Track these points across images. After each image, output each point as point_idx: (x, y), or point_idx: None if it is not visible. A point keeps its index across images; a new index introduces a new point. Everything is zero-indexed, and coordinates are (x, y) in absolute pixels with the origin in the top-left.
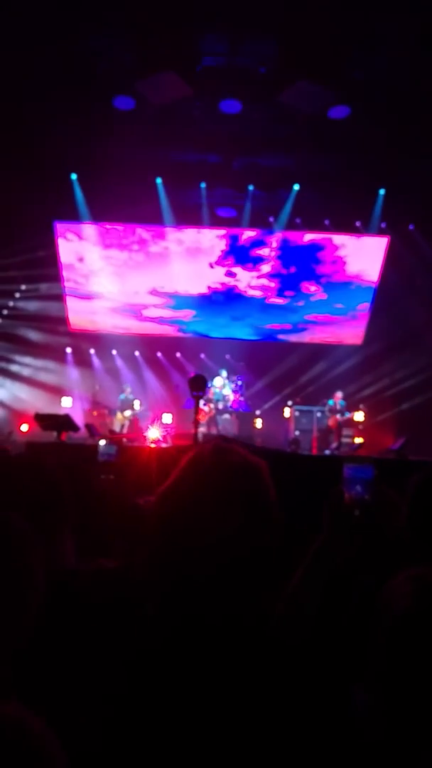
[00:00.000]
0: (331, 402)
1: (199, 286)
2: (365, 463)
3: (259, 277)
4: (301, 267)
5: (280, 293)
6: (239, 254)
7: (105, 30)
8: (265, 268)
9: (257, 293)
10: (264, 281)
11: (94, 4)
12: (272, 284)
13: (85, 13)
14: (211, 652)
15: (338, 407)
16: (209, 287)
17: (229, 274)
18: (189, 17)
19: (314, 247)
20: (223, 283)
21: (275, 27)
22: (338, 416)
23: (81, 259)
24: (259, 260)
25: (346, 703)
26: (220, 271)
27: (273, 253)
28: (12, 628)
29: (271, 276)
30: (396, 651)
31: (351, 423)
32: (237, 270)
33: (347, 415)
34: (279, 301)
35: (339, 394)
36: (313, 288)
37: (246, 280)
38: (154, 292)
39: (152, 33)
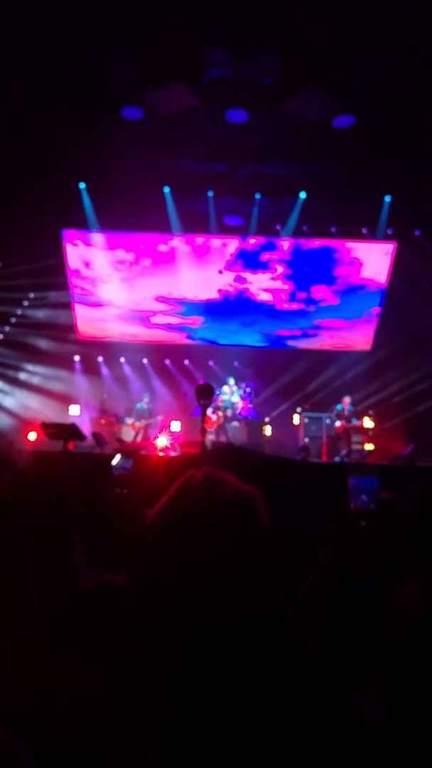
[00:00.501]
0: (339, 407)
1: (209, 292)
2: (370, 473)
3: (273, 278)
4: (313, 270)
5: (291, 297)
6: (249, 258)
7: (113, 42)
8: (279, 269)
9: (268, 297)
10: (278, 283)
11: (103, 17)
12: (285, 286)
13: (94, 25)
14: (203, 682)
15: (346, 412)
16: (220, 290)
17: (239, 279)
18: (195, 30)
19: (327, 250)
20: (234, 287)
21: (279, 39)
22: (346, 422)
23: (89, 266)
24: (268, 264)
25: (351, 711)
26: (231, 275)
27: (282, 258)
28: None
29: (285, 277)
30: (408, 658)
31: (361, 429)
32: (247, 275)
33: (355, 421)
34: (289, 306)
35: (347, 399)
36: (324, 293)
37: (258, 283)
38: (162, 299)
39: (159, 45)
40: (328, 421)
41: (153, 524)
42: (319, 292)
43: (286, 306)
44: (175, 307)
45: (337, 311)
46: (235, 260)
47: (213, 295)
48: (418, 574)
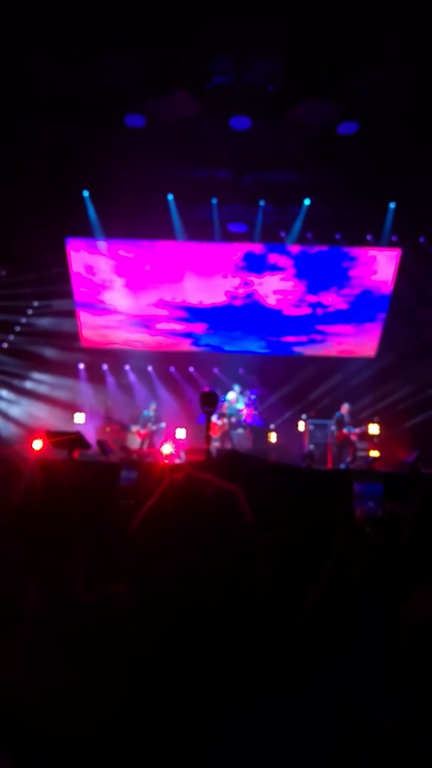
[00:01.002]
0: (338, 414)
1: (215, 296)
2: (375, 480)
3: (283, 279)
4: (325, 270)
5: (300, 301)
6: (257, 261)
7: (116, 49)
8: (289, 269)
9: (277, 299)
10: (289, 284)
11: (106, 24)
12: (295, 288)
13: (97, 33)
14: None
15: (345, 420)
16: (227, 293)
17: (247, 282)
18: (198, 37)
19: (339, 253)
20: (242, 290)
21: (282, 45)
22: (344, 429)
23: (93, 273)
24: (278, 265)
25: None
26: (237, 280)
27: (293, 258)
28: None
29: (295, 277)
30: (418, 663)
31: (366, 436)
32: (253, 278)
33: (352, 429)
34: (297, 311)
35: (346, 407)
36: (333, 296)
37: (267, 285)
38: (167, 305)
39: (163, 53)
40: (332, 428)
41: (138, 528)
42: (329, 294)
43: (294, 310)
44: (180, 313)
45: (344, 316)
46: (243, 263)
47: (219, 299)
48: (425, 585)
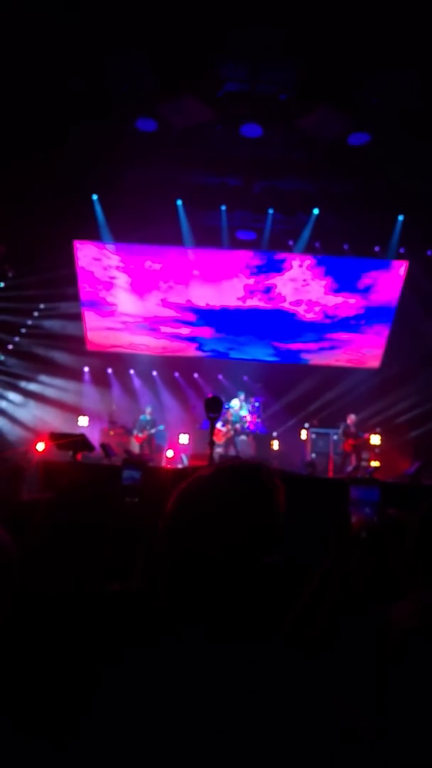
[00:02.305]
0: (345, 424)
1: (224, 298)
2: (371, 485)
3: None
4: (342, 278)
5: (313, 306)
6: (273, 263)
7: (129, 53)
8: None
9: (293, 299)
10: (307, 286)
11: (118, 28)
12: (310, 290)
13: (109, 37)
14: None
15: (353, 429)
16: (239, 297)
17: (265, 287)
18: (211, 43)
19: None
20: (259, 289)
21: (295, 54)
22: (354, 439)
23: (99, 274)
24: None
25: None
26: (251, 280)
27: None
28: None
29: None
30: (399, 670)
31: (367, 446)
32: (269, 279)
33: (361, 435)
34: (309, 316)
35: (353, 417)
36: (345, 304)
37: (283, 286)
38: (173, 306)
39: (175, 58)
40: (335, 437)
41: (176, 504)
42: (342, 301)
43: (306, 315)
44: (186, 316)
45: (353, 326)
46: (260, 262)
47: (228, 301)
48: (413, 592)
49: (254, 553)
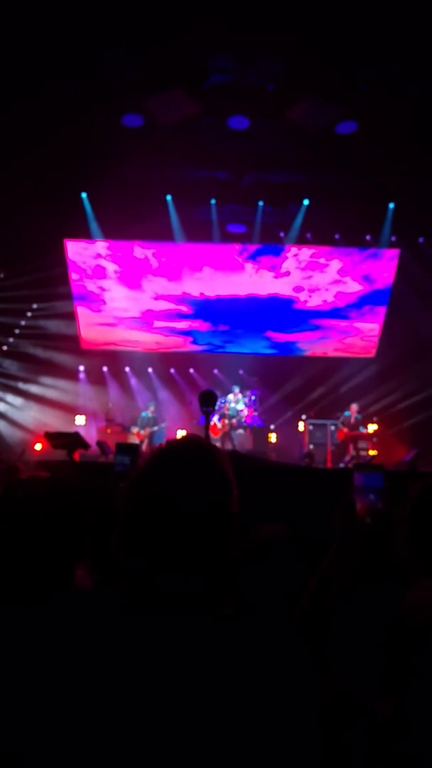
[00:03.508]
0: (347, 413)
1: (220, 287)
2: (375, 471)
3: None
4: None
5: (311, 291)
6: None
7: (114, 48)
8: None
9: (292, 284)
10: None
11: (103, 22)
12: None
13: (94, 31)
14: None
15: (353, 420)
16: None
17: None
18: (196, 35)
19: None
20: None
21: (281, 43)
22: (351, 429)
23: (91, 269)
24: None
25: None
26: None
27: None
28: None
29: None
30: (416, 659)
31: (365, 436)
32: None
33: (362, 429)
34: (306, 303)
35: (355, 407)
36: (340, 292)
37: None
38: (168, 298)
39: (160, 51)
40: (332, 428)
41: (134, 477)
42: (338, 288)
43: (305, 302)
44: (181, 309)
45: (348, 313)
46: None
47: (226, 290)
48: (424, 580)
49: (210, 523)
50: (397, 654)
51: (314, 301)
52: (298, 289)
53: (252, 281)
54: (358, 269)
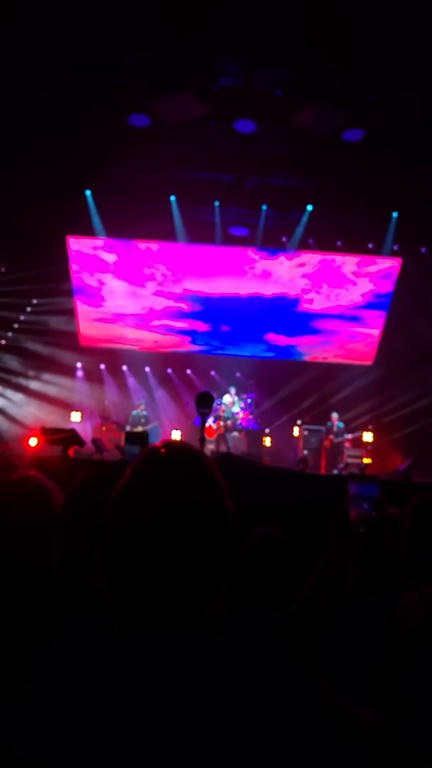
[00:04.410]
0: (329, 423)
1: (222, 285)
2: (370, 481)
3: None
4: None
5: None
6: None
7: (122, 49)
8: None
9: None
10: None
11: (112, 23)
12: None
13: (103, 31)
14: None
15: (335, 428)
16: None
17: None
18: (205, 38)
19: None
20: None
21: (290, 50)
22: (333, 437)
23: (93, 263)
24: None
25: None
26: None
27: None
28: None
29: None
30: (408, 665)
31: (359, 443)
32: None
33: (346, 436)
34: (311, 305)
35: (334, 416)
36: (344, 298)
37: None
38: (169, 295)
39: (168, 53)
40: (333, 436)
41: (125, 483)
42: (341, 294)
43: (310, 303)
44: (182, 305)
45: (349, 320)
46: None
47: (226, 288)
48: (418, 586)
49: (200, 533)
50: (388, 660)
51: (318, 305)
52: (304, 291)
53: (256, 281)
54: (361, 276)
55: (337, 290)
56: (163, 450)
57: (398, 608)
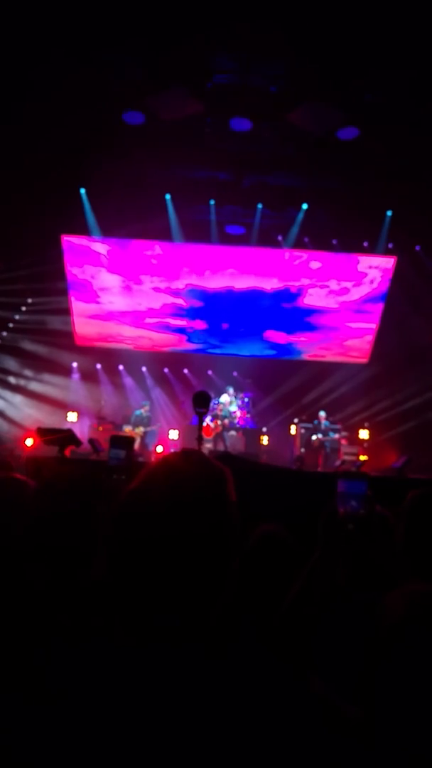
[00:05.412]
0: (316, 421)
1: (220, 280)
2: (359, 478)
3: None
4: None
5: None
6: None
7: (117, 44)
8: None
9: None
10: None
11: (107, 19)
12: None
13: (97, 28)
14: (167, 659)
15: (322, 427)
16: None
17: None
18: (201, 35)
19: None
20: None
21: (286, 48)
22: (320, 435)
23: (88, 261)
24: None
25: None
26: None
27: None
28: None
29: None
30: (386, 663)
31: (355, 441)
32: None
33: (332, 435)
34: (310, 301)
35: (322, 414)
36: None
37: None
38: (170, 291)
39: (164, 49)
40: (320, 435)
41: (130, 494)
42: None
43: (311, 298)
44: (180, 301)
45: (345, 318)
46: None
47: (228, 283)
48: (402, 584)
49: (207, 546)
50: (368, 658)
51: (317, 300)
52: (302, 287)
53: (255, 276)
54: (358, 274)
55: (337, 286)
56: (178, 460)
57: (379, 606)
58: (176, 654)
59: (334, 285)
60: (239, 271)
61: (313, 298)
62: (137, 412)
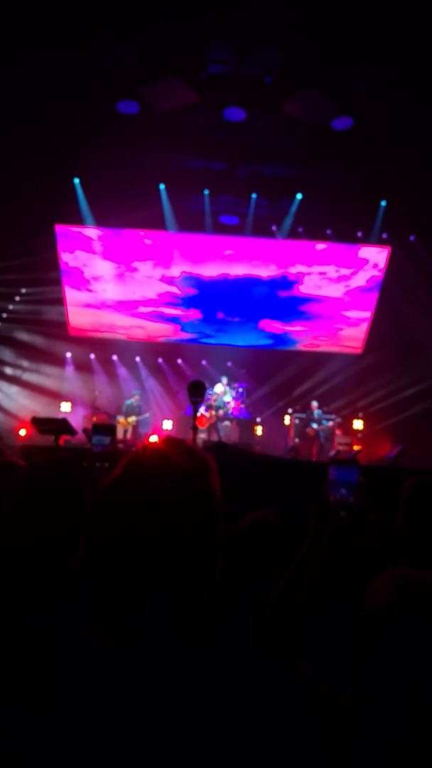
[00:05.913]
0: (308, 412)
1: (215, 268)
2: (350, 466)
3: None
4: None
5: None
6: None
7: (111, 34)
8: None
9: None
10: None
11: (101, 8)
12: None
13: (92, 17)
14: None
15: (315, 417)
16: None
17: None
18: (196, 24)
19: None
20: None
21: (281, 37)
22: (314, 425)
23: (82, 249)
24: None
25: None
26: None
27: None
28: None
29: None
30: (371, 647)
31: (350, 431)
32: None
33: (325, 423)
34: (306, 290)
35: (315, 404)
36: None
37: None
38: (165, 279)
39: (158, 38)
40: (314, 425)
41: (112, 484)
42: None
43: (307, 286)
44: (175, 290)
45: (341, 307)
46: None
47: (224, 270)
48: (389, 569)
49: (189, 540)
50: (355, 643)
51: (311, 290)
52: (298, 275)
53: (250, 264)
54: (352, 264)
55: (335, 273)
56: (160, 449)
57: (365, 591)
58: (161, 647)
59: (332, 272)
60: (235, 255)
61: (310, 286)
62: (128, 402)
